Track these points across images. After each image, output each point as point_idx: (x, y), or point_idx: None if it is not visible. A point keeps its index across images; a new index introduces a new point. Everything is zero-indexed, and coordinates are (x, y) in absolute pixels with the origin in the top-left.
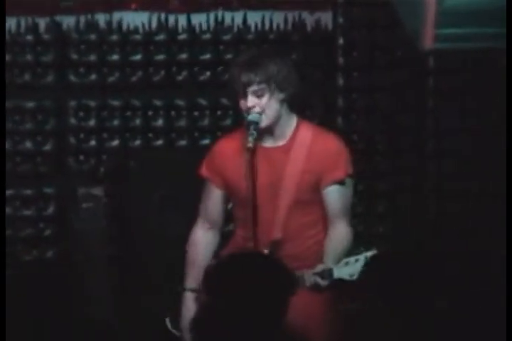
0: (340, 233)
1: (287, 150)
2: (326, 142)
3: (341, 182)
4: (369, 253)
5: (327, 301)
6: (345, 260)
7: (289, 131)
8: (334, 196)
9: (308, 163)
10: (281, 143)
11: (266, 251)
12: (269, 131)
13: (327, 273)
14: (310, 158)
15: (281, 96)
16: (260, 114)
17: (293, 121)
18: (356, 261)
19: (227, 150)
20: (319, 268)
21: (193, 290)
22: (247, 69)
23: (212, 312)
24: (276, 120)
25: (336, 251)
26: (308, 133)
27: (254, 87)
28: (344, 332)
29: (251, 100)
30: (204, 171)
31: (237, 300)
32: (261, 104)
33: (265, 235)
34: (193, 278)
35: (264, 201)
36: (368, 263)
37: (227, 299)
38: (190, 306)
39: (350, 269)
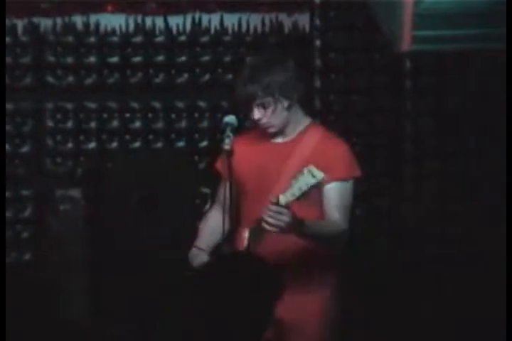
0: (333, 220)
1: (293, 145)
2: (331, 144)
3: (342, 181)
4: (304, 169)
5: (328, 298)
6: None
7: (298, 130)
8: (333, 193)
9: (311, 159)
10: (288, 139)
11: (247, 230)
12: (280, 131)
13: (275, 202)
14: (314, 154)
15: (287, 103)
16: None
17: (305, 121)
18: (296, 180)
19: (239, 147)
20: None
21: (198, 248)
22: (250, 83)
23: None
24: (285, 125)
25: (325, 226)
26: (317, 134)
27: (258, 101)
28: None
29: (257, 113)
30: (218, 165)
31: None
32: (267, 115)
33: None
34: (201, 239)
35: (264, 193)
36: (315, 180)
37: (216, 299)
38: (195, 261)
39: (292, 190)
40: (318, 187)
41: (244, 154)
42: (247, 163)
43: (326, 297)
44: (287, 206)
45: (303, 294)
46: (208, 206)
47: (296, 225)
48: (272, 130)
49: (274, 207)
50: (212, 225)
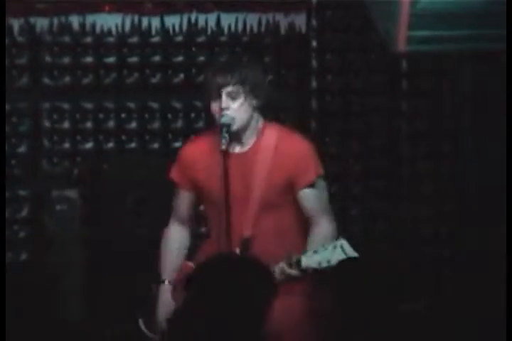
0: (323, 229)
1: (253, 155)
2: (291, 144)
3: (313, 184)
4: (337, 243)
5: (304, 303)
6: (313, 249)
7: (255, 136)
8: (310, 198)
9: (275, 166)
10: (246, 148)
11: (237, 250)
12: (238, 136)
13: (295, 262)
14: (276, 161)
15: (254, 102)
16: (232, 117)
17: (259, 125)
18: (325, 249)
19: (196, 154)
20: (289, 257)
21: (169, 282)
22: (223, 70)
23: (189, 315)
24: (246, 125)
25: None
26: (272, 136)
27: (228, 89)
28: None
29: (225, 101)
30: (173, 174)
31: (217, 304)
32: (234, 107)
33: (237, 235)
34: (168, 270)
35: (234, 203)
36: (344, 257)
37: (206, 303)
38: (166, 300)
39: (318, 257)
40: (288, 191)
41: (201, 162)
42: (205, 172)
43: (309, 297)
44: (305, 270)
45: (286, 295)
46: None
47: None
48: (234, 127)
49: (293, 272)
50: (176, 247)
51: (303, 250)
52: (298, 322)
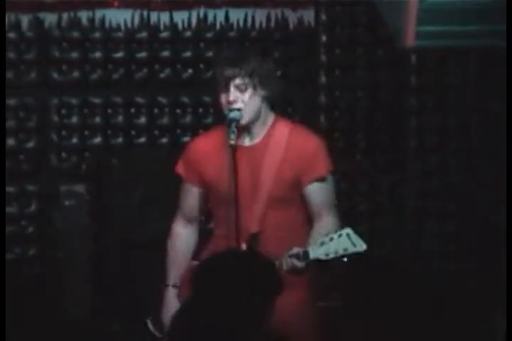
0: (326, 222)
1: (263, 148)
2: (303, 139)
3: (322, 179)
4: (343, 231)
5: (305, 298)
6: (320, 240)
7: (266, 129)
8: (317, 193)
9: (285, 160)
10: (258, 140)
11: (244, 246)
12: (247, 129)
13: (302, 254)
14: (287, 155)
15: (263, 93)
16: (241, 110)
17: (270, 119)
18: (331, 239)
19: (205, 149)
20: (295, 250)
21: (174, 286)
22: (232, 63)
23: (196, 311)
24: (256, 118)
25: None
26: (284, 130)
27: (237, 81)
28: (322, 329)
29: (233, 94)
30: (179, 169)
31: (223, 300)
32: (243, 99)
33: (244, 232)
34: (174, 274)
35: (243, 199)
36: (352, 249)
37: (214, 299)
38: (171, 303)
39: (325, 249)
40: (297, 186)
41: (210, 157)
42: (213, 167)
43: (303, 297)
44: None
45: (289, 289)
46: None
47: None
48: (243, 120)
49: (298, 263)
50: (186, 249)
51: (307, 242)
52: (302, 316)
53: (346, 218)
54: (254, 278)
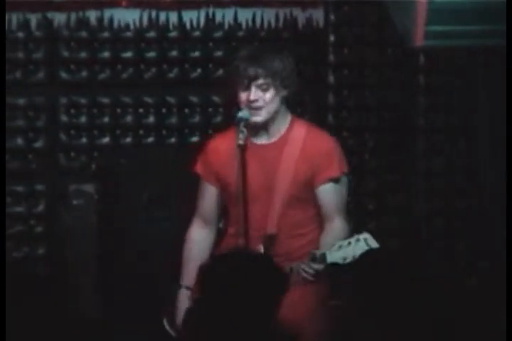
0: (336, 227)
1: (280, 147)
2: (319, 140)
3: (336, 180)
4: (361, 236)
5: (314, 297)
6: (338, 244)
7: (283, 128)
8: (329, 193)
9: (301, 160)
10: (274, 140)
11: (261, 247)
12: (265, 128)
13: (320, 258)
14: (303, 155)
15: (284, 93)
16: (261, 108)
17: (287, 118)
18: (348, 244)
19: (221, 148)
20: (312, 253)
21: (187, 288)
22: (254, 62)
23: (204, 311)
24: (274, 117)
25: (332, 243)
26: (301, 130)
27: (259, 81)
28: (331, 328)
29: (255, 93)
30: (198, 168)
31: (229, 299)
32: (265, 99)
33: (258, 232)
34: (188, 275)
35: (257, 198)
36: (367, 249)
37: (219, 298)
38: (185, 303)
39: (342, 253)
40: (312, 186)
41: (224, 155)
42: (229, 165)
43: (316, 291)
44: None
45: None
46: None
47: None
48: (258, 119)
49: (316, 266)
50: (202, 251)
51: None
52: (306, 317)
53: (354, 217)
54: (257, 278)
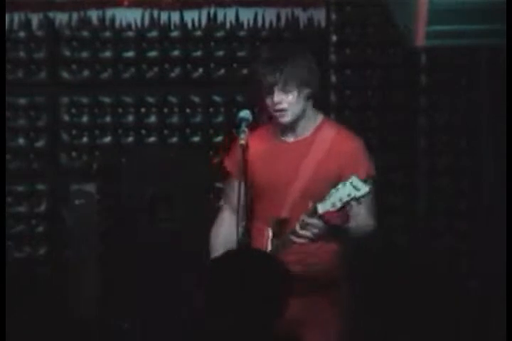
0: (360, 218)
1: (307, 145)
2: (348, 141)
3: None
4: (348, 180)
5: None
6: (327, 195)
7: (313, 127)
8: None
9: (327, 159)
10: (301, 138)
11: (269, 230)
12: (291, 127)
13: (312, 211)
14: (330, 154)
15: (307, 91)
16: (286, 110)
17: (317, 118)
18: (336, 190)
19: (252, 145)
20: (306, 210)
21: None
22: (273, 67)
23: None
24: (301, 116)
25: (354, 228)
26: (331, 131)
27: (281, 84)
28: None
29: (278, 96)
30: (227, 165)
31: (234, 298)
32: (288, 100)
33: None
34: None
35: (279, 193)
36: (354, 191)
37: (224, 296)
38: None
39: (331, 199)
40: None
41: (254, 152)
42: (258, 162)
43: (337, 296)
44: (323, 216)
45: (313, 293)
46: (221, 202)
47: (329, 234)
48: (285, 119)
49: (309, 220)
50: (227, 235)
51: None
52: (321, 321)
53: None
54: (262, 278)
